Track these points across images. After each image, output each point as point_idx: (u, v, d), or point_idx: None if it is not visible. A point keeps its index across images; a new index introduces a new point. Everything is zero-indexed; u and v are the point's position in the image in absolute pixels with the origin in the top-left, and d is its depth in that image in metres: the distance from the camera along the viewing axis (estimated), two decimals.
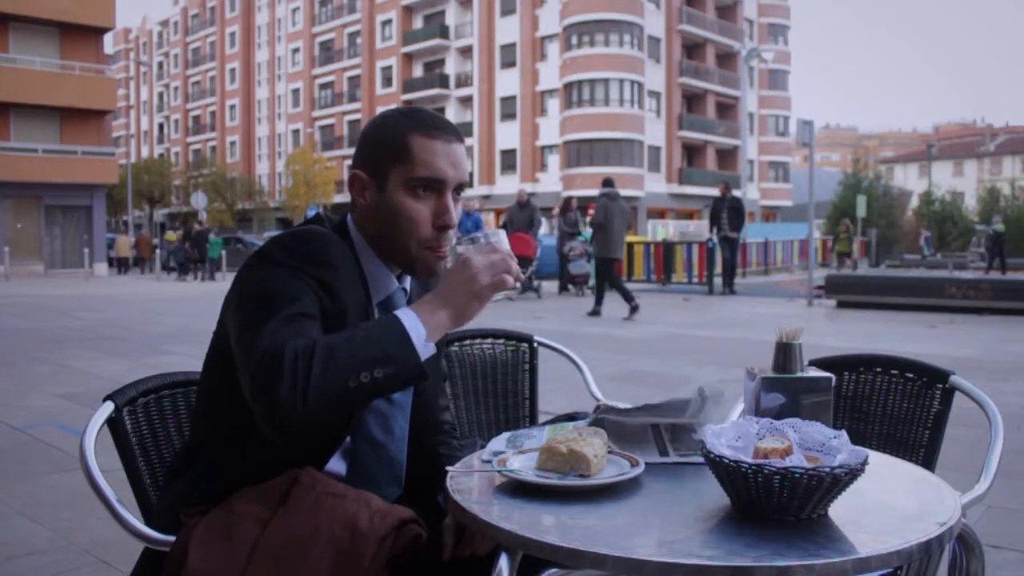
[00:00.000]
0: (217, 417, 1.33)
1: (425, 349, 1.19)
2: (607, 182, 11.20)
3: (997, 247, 23.62)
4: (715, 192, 16.14)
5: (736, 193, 16.86)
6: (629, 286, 17.07)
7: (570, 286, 15.00)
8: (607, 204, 10.76)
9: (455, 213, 1.37)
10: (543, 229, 20.55)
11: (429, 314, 1.21)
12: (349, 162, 1.48)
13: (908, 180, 64.19)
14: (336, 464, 1.38)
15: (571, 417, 1.71)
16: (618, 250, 10.90)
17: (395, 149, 1.34)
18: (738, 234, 14.81)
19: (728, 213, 14.68)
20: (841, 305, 12.32)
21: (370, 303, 1.36)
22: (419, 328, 1.19)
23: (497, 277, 1.25)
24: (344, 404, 1.16)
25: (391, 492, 1.42)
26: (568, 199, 15.82)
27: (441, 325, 1.22)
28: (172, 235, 31.53)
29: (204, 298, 15.65)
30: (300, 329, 1.17)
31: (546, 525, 1.15)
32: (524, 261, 13.21)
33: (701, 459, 1.21)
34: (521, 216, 13.93)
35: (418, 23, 50.75)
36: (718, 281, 15.35)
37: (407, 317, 1.19)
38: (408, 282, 1.44)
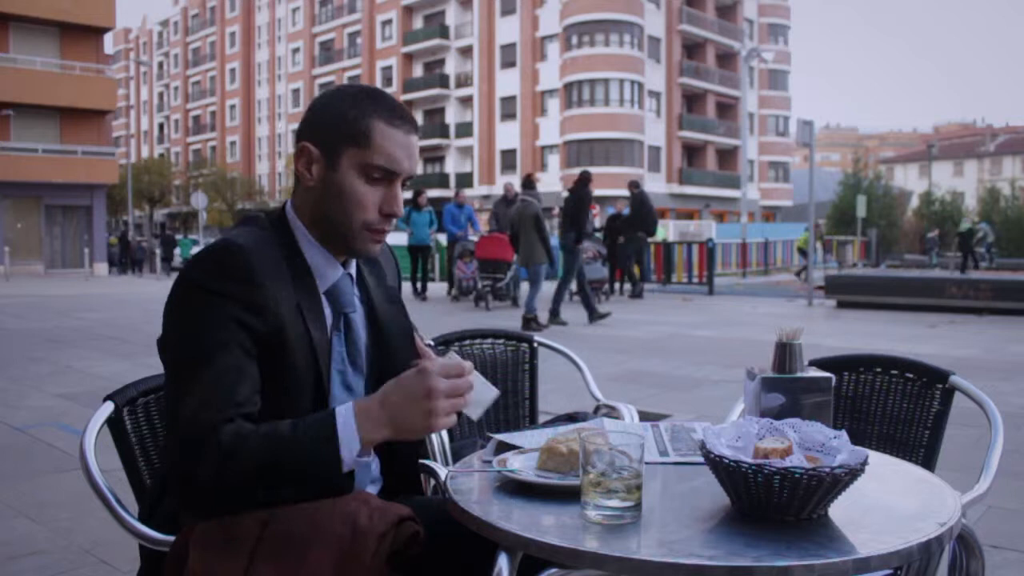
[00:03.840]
0: None
1: (355, 464, 1.19)
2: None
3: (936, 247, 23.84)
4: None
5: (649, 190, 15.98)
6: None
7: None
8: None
9: (402, 202, 1.36)
10: None
11: (369, 429, 1.19)
12: None
13: (908, 180, 64.17)
14: None
15: (571, 417, 1.71)
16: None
17: (354, 131, 1.31)
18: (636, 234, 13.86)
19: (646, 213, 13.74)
20: (841, 305, 12.32)
21: (316, 296, 1.33)
22: (354, 443, 1.17)
23: (450, 416, 1.20)
24: (254, 503, 1.18)
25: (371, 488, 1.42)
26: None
27: (376, 440, 1.20)
28: (114, 239, 32.72)
29: None
30: (226, 394, 1.17)
31: (546, 525, 1.15)
32: (501, 266, 11.97)
33: (701, 459, 1.21)
34: (508, 213, 12.07)
35: (418, 23, 50.74)
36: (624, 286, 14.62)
37: (345, 429, 1.17)
38: (353, 267, 1.42)
